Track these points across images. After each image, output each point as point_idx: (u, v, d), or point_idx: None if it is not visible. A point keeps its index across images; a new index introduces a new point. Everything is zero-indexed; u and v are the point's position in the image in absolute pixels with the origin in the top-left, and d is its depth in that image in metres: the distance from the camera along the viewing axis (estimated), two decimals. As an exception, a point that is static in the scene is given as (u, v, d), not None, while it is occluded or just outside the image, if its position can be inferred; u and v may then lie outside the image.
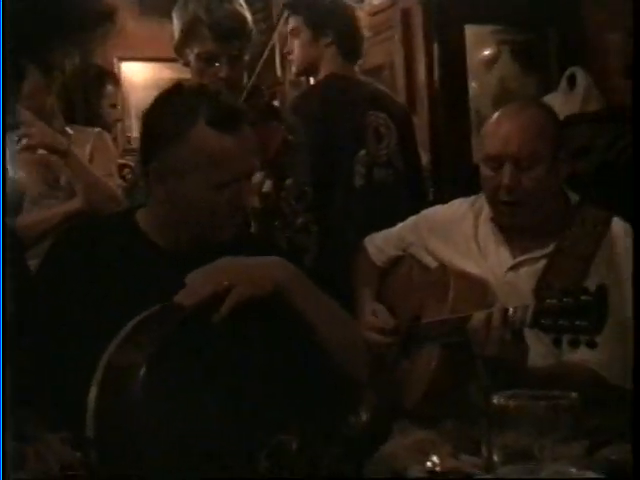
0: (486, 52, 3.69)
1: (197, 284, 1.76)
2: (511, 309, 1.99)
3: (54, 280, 1.93)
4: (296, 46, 3.16)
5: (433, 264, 2.37)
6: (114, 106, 4.22)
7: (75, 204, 2.92)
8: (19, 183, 2.96)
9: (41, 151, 2.88)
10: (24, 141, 2.80)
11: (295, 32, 3.14)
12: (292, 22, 3.14)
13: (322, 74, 3.14)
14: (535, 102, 2.58)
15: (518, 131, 2.20)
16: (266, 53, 2.69)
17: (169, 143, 1.84)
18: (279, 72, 4.69)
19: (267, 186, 2.42)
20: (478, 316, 2.02)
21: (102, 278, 1.88)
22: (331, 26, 3.11)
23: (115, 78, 4.43)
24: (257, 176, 2.43)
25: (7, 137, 2.76)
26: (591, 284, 1.91)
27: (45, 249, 2.08)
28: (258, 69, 2.65)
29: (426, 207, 2.61)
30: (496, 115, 2.28)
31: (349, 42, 3.14)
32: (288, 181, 2.45)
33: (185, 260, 1.90)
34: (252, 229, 2.47)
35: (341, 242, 2.87)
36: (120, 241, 1.95)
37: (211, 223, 1.88)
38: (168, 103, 1.90)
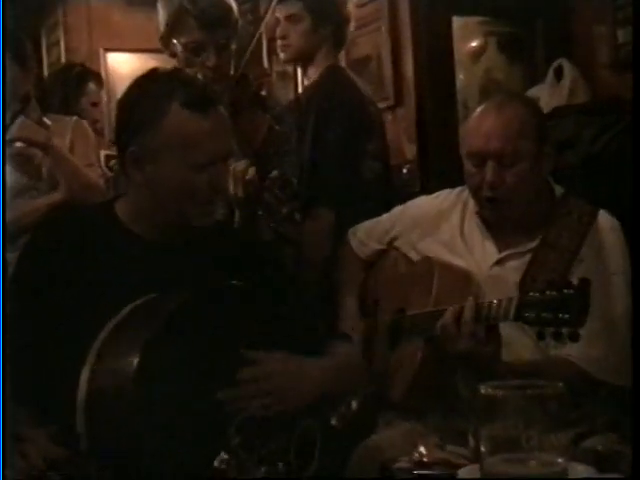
0: (473, 44, 3.69)
1: (246, 389, 1.75)
2: (495, 301, 1.99)
3: (33, 274, 1.91)
4: (293, 32, 3.13)
5: (417, 257, 2.36)
6: (95, 104, 4.18)
7: (57, 196, 2.90)
8: None
9: (19, 144, 2.86)
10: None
11: (294, 19, 3.11)
12: (291, 8, 3.11)
13: (318, 65, 3.13)
14: (517, 96, 2.56)
15: (500, 128, 2.17)
16: (253, 43, 2.68)
17: (145, 127, 1.84)
18: (266, 63, 4.67)
19: (250, 173, 2.42)
20: (449, 312, 2.02)
21: (82, 270, 1.86)
22: (330, 16, 3.10)
23: (98, 78, 4.39)
24: (241, 163, 2.43)
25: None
26: (575, 278, 1.91)
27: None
28: (246, 58, 2.64)
29: (414, 196, 2.61)
30: (478, 111, 2.26)
31: (341, 33, 3.13)
32: (274, 172, 2.44)
33: (165, 248, 1.90)
34: (236, 218, 2.46)
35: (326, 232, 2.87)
36: (99, 232, 1.94)
37: (191, 207, 1.87)
38: (143, 89, 1.91)
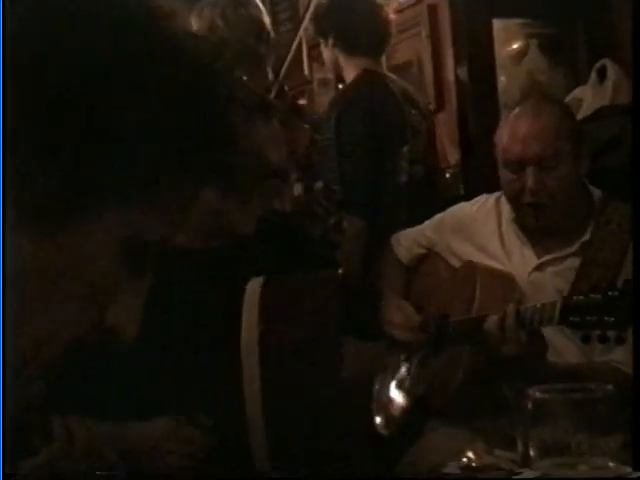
0: (514, 46, 3.66)
1: None
2: (539, 305, 1.97)
3: None
4: (325, 57, 3.19)
5: (458, 263, 2.35)
6: None
7: None
8: None
9: None
10: None
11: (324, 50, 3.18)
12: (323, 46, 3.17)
13: (352, 70, 3.14)
14: (549, 99, 2.53)
15: (538, 132, 2.16)
16: (292, 53, 2.69)
17: None
18: (307, 71, 4.69)
19: (297, 189, 2.42)
20: (492, 317, 2.01)
21: None
22: (360, 42, 3.12)
23: None
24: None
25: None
26: (621, 279, 1.89)
27: None
28: (285, 67, 2.66)
29: (457, 201, 2.60)
30: (511, 117, 2.24)
31: (375, 42, 3.14)
32: (318, 183, 2.45)
33: (205, 256, 1.91)
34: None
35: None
36: None
37: (236, 215, 1.88)
38: None
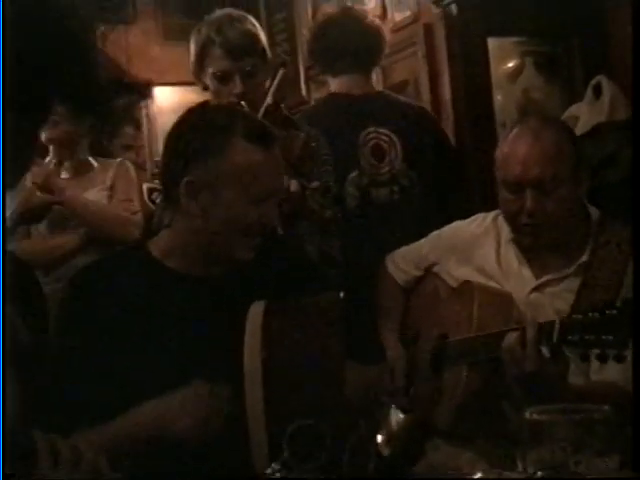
0: (510, 64, 3.68)
1: None
2: (537, 325, 1.97)
3: (75, 322, 1.90)
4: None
5: (455, 284, 2.34)
6: (129, 147, 4.25)
7: (75, 238, 3.04)
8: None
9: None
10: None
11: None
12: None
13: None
14: (550, 120, 2.51)
15: (538, 154, 2.14)
16: (280, 73, 2.71)
17: (203, 157, 1.85)
18: (304, 91, 4.71)
19: (294, 186, 2.44)
20: (511, 334, 1.99)
21: (124, 314, 1.86)
22: (342, 63, 3.16)
23: (138, 123, 4.47)
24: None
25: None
26: (619, 299, 1.89)
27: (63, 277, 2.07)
28: (274, 87, 2.68)
29: (453, 221, 2.60)
30: (511, 137, 2.23)
31: (360, 62, 3.17)
32: (314, 183, 2.46)
33: (205, 283, 1.91)
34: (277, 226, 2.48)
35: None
36: (136, 274, 1.94)
37: (238, 240, 1.89)
38: (199, 119, 1.91)
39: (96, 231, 3.07)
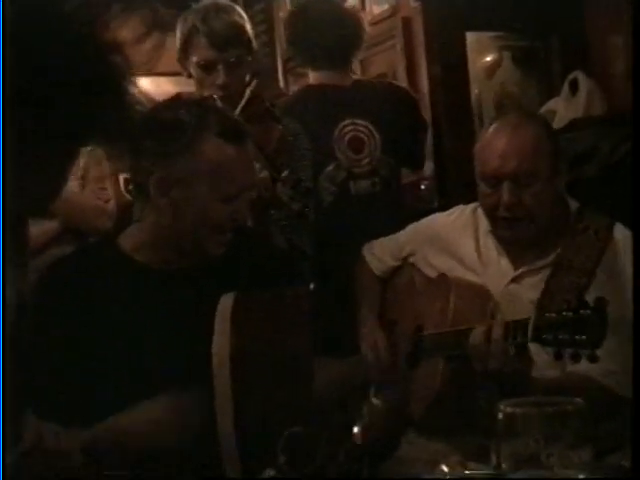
0: (488, 58, 3.69)
1: None
2: (512, 323, 1.97)
3: (47, 315, 1.88)
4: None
5: (434, 274, 2.35)
6: None
7: (54, 225, 3.00)
8: None
9: None
10: None
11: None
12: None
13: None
14: (529, 114, 2.52)
15: (515, 148, 2.16)
16: (254, 83, 2.70)
17: (174, 153, 1.83)
18: (282, 83, 4.70)
19: (263, 173, 2.43)
20: (477, 331, 2.01)
21: (94, 309, 1.86)
22: (320, 56, 3.14)
23: None
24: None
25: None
26: (592, 296, 1.90)
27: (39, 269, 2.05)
28: (250, 77, 2.67)
29: (432, 213, 2.60)
30: (490, 131, 2.24)
31: (338, 55, 3.15)
32: (285, 172, 2.46)
33: (175, 277, 1.90)
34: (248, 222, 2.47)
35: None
36: (106, 268, 1.93)
37: (209, 236, 1.88)
38: (169, 114, 1.90)
39: (69, 221, 3.04)
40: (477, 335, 2.00)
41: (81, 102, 0.68)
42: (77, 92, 0.67)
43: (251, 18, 2.95)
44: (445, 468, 1.65)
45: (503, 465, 1.21)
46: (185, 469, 1.66)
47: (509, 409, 1.20)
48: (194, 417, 1.67)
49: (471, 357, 2.01)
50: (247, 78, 2.73)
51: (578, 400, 1.18)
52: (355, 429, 1.85)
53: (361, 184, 3.10)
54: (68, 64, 0.67)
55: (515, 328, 1.96)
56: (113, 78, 0.74)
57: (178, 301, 1.87)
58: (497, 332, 1.97)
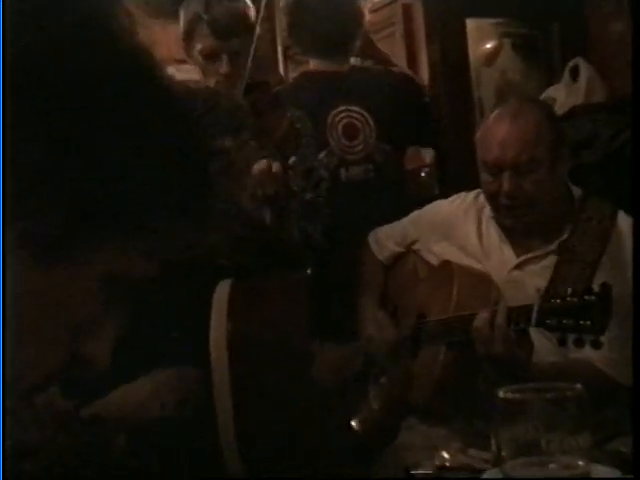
0: (488, 45, 3.67)
1: None
2: (515, 309, 1.98)
3: None
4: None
5: (436, 261, 2.35)
6: None
7: None
8: None
9: None
10: None
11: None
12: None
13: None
14: (531, 101, 2.50)
15: (515, 136, 2.15)
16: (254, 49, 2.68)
17: None
18: (282, 70, 4.68)
19: (275, 167, 2.41)
20: (481, 315, 2.01)
21: None
22: (319, 44, 3.12)
23: None
24: (261, 163, 2.40)
25: None
26: (597, 283, 1.90)
27: None
28: (249, 64, 2.65)
29: (433, 200, 2.61)
30: (491, 118, 2.24)
31: (337, 43, 3.13)
32: (292, 159, 2.44)
33: (171, 264, 1.90)
34: (267, 220, 2.45)
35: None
36: None
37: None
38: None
39: None
40: (480, 319, 2.01)
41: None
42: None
43: (254, 2, 2.92)
44: (445, 454, 1.66)
45: (502, 452, 1.21)
46: (183, 462, 1.66)
47: (509, 395, 1.20)
48: (190, 386, 1.67)
49: (474, 341, 2.02)
50: (250, 64, 2.71)
51: (577, 386, 1.18)
52: (354, 418, 1.86)
53: (354, 171, 3.08)
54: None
55: (519, 314, 1.96)
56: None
57: (175, 289, 1.87)
58: (500, 317, 1.98)
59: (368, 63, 3.46)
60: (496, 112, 2.25)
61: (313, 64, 3.19)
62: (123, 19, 0.71)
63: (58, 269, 0.66)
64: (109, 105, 0.66)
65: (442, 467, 1.69)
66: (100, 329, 0.72)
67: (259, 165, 2.36)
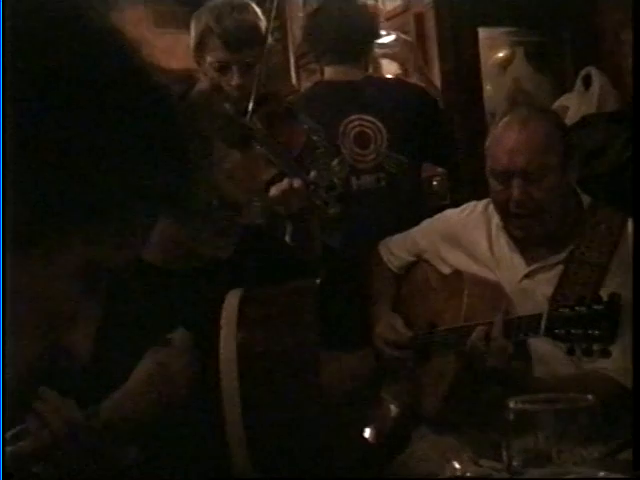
0: (500, 54, 3.68)
1: None
2: (524, 316, 1.97)
3: None
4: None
5: (447, 270, 2.35)
6: None
7: None
8: None
9: None
10: None
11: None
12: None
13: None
14: (539, 110, 2.49)
15: (524, 144, 2.15)
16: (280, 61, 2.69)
17: None
18: (294, 80, 4.69)
19: (297, 183, 2.40)
20: (478, 329, 2.01)
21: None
22: (334, 52, 3.12)
23: None
24: (284, 183, 2.38)
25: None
26: (605, 292, 1.90)
27: None
28: (260, 74, 2.65)
29: (444, 209, 2.60)
30: (500, 126, 2.23)
31: (352, 51, 3.13)
32: (312, 173, 2.42)
33: (182, 275, 1.89)
34: (287, 235, 2.42)
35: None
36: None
37: (217, 241, 1.87)
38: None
39: None
40: (476, 333, 2.00)
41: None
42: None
43: (265, 14, 2.92)
44: (457, 464, 1.65)
45: (514, 462, 1.21)
46: (192, 467, 1.66)
47: (520, 405, 1.20)
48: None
49: (470, 356, 2.02)
50: (261, 75, 2.71)
51: (589, 397, 1.17)
52: (367, 428, 1.85)
53: (365, 179, 3.08)
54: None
55: (527, 323, 1.95)
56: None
57: (185, 300, 1.87)
58: (496, 330, 1.97)
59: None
60: (505, 120, 2.24)
61: (327, 73, 3.19)
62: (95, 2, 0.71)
63: (34, 259, 0.65)
64: (84, 92, 0.66)
65: (453, 477, 1.68)
66: (80, 320, 0.71)
67: (281, 185, 2.34)
